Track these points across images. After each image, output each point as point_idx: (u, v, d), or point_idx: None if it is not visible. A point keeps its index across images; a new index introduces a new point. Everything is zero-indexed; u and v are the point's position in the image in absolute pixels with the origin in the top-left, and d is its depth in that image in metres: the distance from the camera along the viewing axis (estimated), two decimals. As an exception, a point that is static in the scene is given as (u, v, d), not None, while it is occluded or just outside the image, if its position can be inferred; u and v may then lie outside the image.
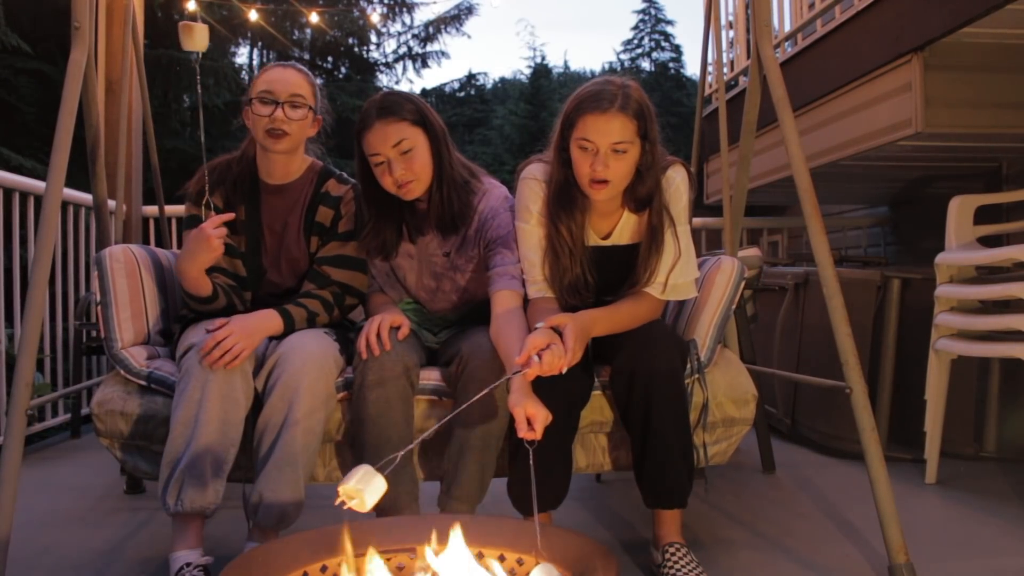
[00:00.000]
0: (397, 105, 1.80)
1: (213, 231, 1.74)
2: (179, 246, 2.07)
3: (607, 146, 1.66)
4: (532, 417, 1.51)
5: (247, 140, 1.99)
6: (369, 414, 1.73)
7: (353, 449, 1.81)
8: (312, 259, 1.97)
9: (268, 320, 1.82)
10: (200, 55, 1.81)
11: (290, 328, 1.84)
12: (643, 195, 1.77)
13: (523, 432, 1.51)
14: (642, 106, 1.68)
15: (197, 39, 1.82)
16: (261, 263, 1.97)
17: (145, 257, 2.05)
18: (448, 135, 1.88)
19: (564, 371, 1.54)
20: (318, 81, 1.99)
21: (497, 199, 1.90)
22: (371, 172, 1.85)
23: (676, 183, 1.79)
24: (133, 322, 1.96)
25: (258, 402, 1.75)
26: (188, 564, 1.65)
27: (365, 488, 1.13)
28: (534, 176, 1.81)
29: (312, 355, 1.74)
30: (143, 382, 1.84)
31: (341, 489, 1.13)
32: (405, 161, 1.79)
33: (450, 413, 1.53)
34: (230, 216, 1.81)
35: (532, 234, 1.80)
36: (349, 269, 1.95)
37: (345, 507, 1.13)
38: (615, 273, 1.82)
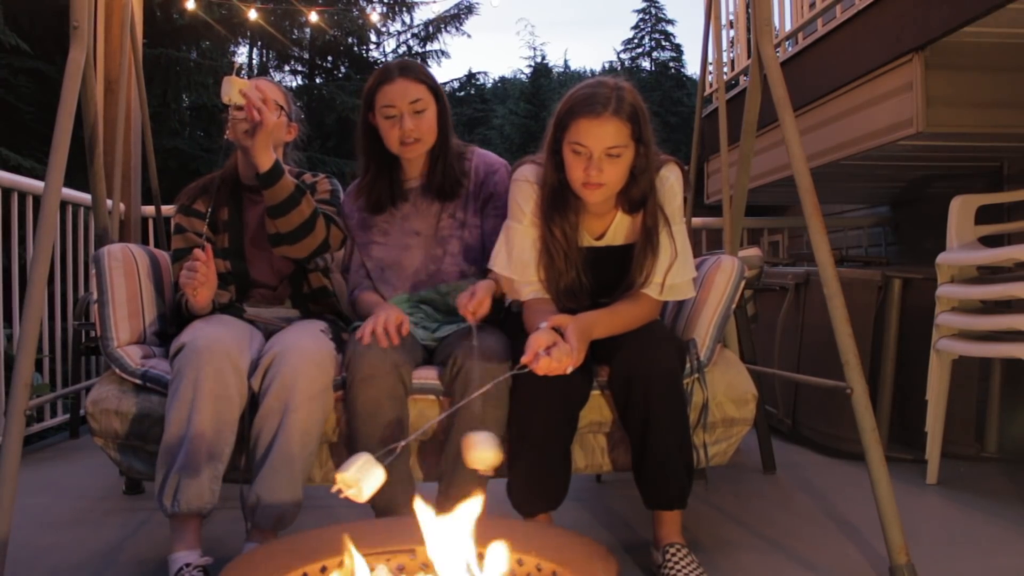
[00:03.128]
0: (419, 68, 1.96)
1: (186, 269, 1.80)
2: (170, 248, 2.13)
3: (601, 150, 1.64)
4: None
5: (232, 154, 2.12)
6: (359, 413, 1.73)
7: (348, 449, 1.81)
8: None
9: (269, 141, 1.82)
10: (234, 106, 1.86)
11: (277, 171, 1.83)
12: (637, 196, 1.76)
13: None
14: (636, 108, 1.67)
15: (235, 93, 1.84)
16: (244, 259, 2.03)
17: (144, 257, 2.06)
18: (450, 113, 2.01)
19: (569, 371, 1.53)
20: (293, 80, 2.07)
21: (490, 156, 2.06)
22: (374, 131, 1.96)
23: (670, 182, 1.78)
24: (130, 321, 1.95)
25: (254, 401, 1.75)
26: (188, 565, 1.64)
27: (363, 478, 1.13)
28: (526, 178, 1.80)
29: (308, 354, 1.73)
30: (138, 381, 1.83)
31: (339, 477, 1.13)
32: (416, 119, 1.91)
33: (447, 411, 1.52)
34: (206, 260, 1.82)
35: (526, 235, 1.79)
36: (331, 207, 2.04)
37: (342, 495, 1.12)
38: (609, 274, 1.81)
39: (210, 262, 1.82)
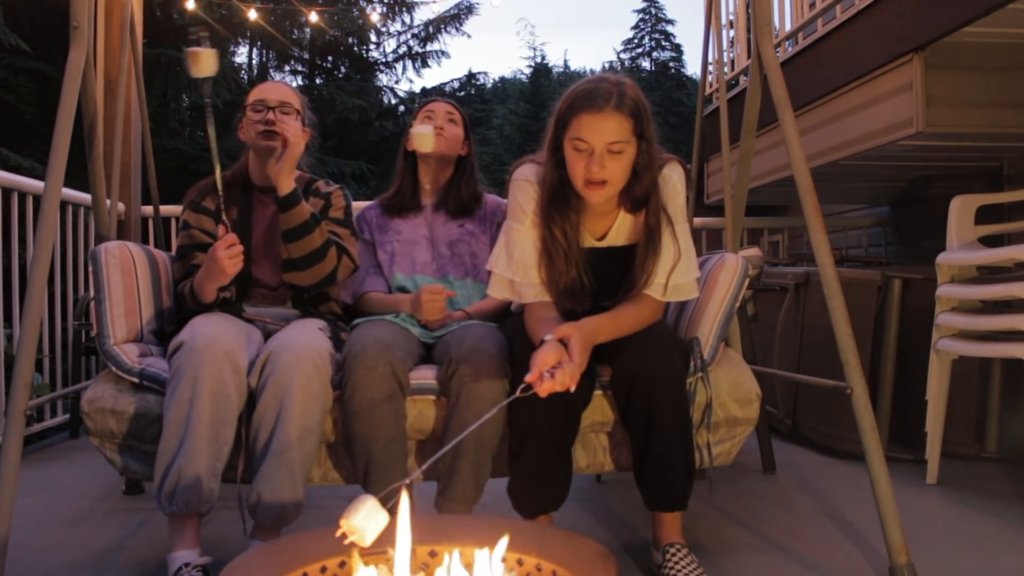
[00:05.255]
0: (460, 105, 2.35)
1: (223, 254, 1.82)
2: (171, 247, 2.14)
3: (603, 146, 1.63)
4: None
5: (242, 155, 2.15)
6: (356, 412, 1.74)
7: (346, 448, 1.81)
8: None
9: (294, 166, 1.91)
10: (211, 81, 1.85)
11: (296, 196, 1.90)
12: (639, 195, 1.75)
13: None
14: (638, 104, 1.66)
15: (204, 65, 1.81)
16: (248, 259, 2.01)
17: (142, 255, 2.05)
18: (475, 152, 2.33)
19: (572, 389, 1.52)
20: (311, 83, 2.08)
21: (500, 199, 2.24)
22: (415, 156, 2.23)
23: (672, 181, 1.77)
24: (127, 319, 1.95)
25: (253, 401, 1.74)
26: (187, 564, 1.64)
27: (368, 525, 1.13)
28: (526, 177, 1.79)
29: (305, 352, 1.72)
30: (135, 379, 1.83)
31: (344, 523, 1.13)
32: (446, 124, 2.22)
33: (449, 445, 1.53)
34: (233, 239, 1.84)
35: (527, 236, 1.77)
36: (345, 228, 2.08)
37: (345, 542, 1.12)
38: (611, 275, 1.79)
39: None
